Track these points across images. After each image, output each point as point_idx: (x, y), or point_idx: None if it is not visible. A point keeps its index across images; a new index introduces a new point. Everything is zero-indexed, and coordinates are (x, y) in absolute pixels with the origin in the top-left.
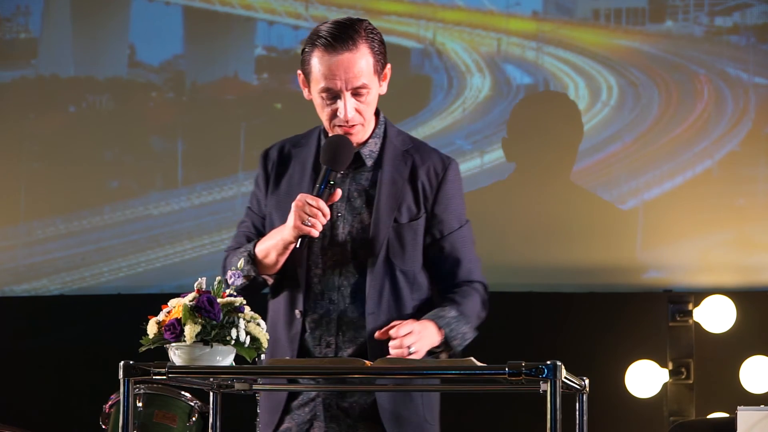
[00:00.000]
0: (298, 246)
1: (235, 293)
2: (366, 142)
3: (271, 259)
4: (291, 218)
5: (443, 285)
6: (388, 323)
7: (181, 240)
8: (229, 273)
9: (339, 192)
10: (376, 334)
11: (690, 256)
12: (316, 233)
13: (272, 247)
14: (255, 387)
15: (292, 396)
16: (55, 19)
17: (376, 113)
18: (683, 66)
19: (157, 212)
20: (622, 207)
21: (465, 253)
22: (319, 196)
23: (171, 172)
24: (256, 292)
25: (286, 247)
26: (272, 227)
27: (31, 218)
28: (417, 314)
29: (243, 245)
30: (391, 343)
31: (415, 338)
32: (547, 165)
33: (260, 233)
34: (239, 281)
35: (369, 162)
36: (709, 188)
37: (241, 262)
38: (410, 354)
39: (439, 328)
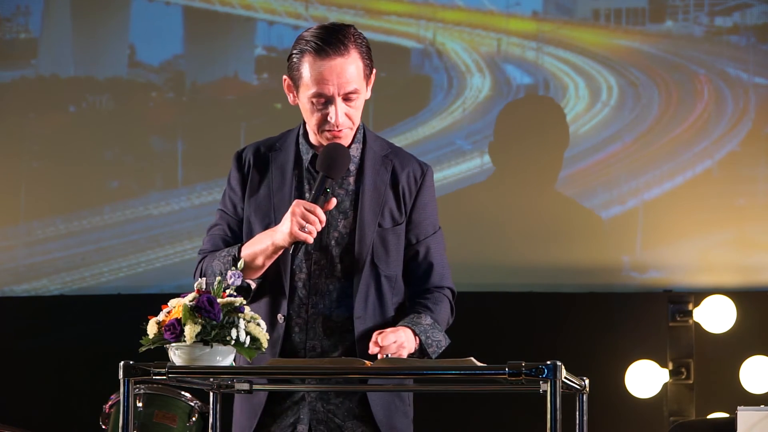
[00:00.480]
0: (291, 252)
1: (235, 293)
2: (348, 147)
3: (257, 263)
4: (287, 224)
5: (415, 289)
6: (374, 327)
7: (181, 240)
8: (229, 273)
9: (334, 200)
10: (371, 350)
11: (690, 256)
12: (311, 240)
13: (261, 251)
14: (255, 387)
15: (274, 398)
16: (55, 19)
17: None
18: (683, 66)
19: (157, 212)
20: (622, 207)
21: (438, 258)
22: (314, 203)
23: (171, 172)
24: (243, 297)
25: (276, 252)
26: (250, 231)
27: (31, 218)
28: (397, 317)
29: (220, 248)
30: (375, 350)
31: (395, 349)
32: (545, 165)
33: (237, 236)
34: (239, 281)
35: (352, 167)
36: (709, 188)
37: (241, 263)
38: None
39: (416, 334)
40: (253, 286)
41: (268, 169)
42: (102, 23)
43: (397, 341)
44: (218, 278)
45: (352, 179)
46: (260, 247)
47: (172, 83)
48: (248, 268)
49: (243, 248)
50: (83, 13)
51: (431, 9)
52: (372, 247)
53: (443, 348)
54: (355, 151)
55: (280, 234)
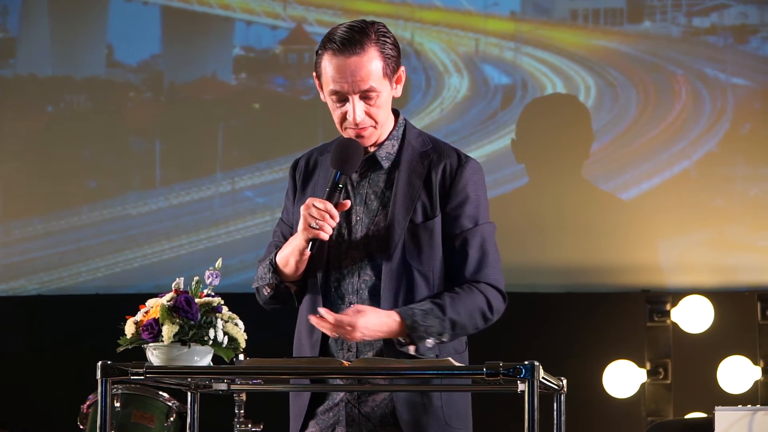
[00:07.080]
0: (309, 250)
1: (212, 293)
2: (382, 144)
3: (290, 266)
4: (300, 223)
5: (450, 284)
6: None
7: (159, 240)
8: (207, 273)
9: (348, 202)
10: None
11: (668, 256)
12: (325, 236)
13: (290, 254)
14: (233, 387)
15: (317, 401)
16: (33, 19)
17: (396, 114)
18: (661, 66)
19: (135, 212)
20: (599, 207)
21: (474, 252)
22: (328, 198)
23: (149, 172)
24: (287, 302)
25: (301, 253)
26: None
27: (9, 218)
28: None
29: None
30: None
31: (344, 331)
32: (523, 167)
33: None
34: (216, 281)
35: (386, 164)
36: (687, 189)
37: (219, 262)
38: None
39: (403, 319)
40: (293, 289)
41: (316, 172)
42: (80, 23)
43: (352, 322)
44: (195, 278)
45: (386, 176)
46: (289, 250)
47: (150, 83)
48: (285, 272)
49: (278, 253)
50: (61, 13)
51: (409, 9)
52: (403, 243)
53: (437, 335)
54: (391, 148)
55: (298, 234)
